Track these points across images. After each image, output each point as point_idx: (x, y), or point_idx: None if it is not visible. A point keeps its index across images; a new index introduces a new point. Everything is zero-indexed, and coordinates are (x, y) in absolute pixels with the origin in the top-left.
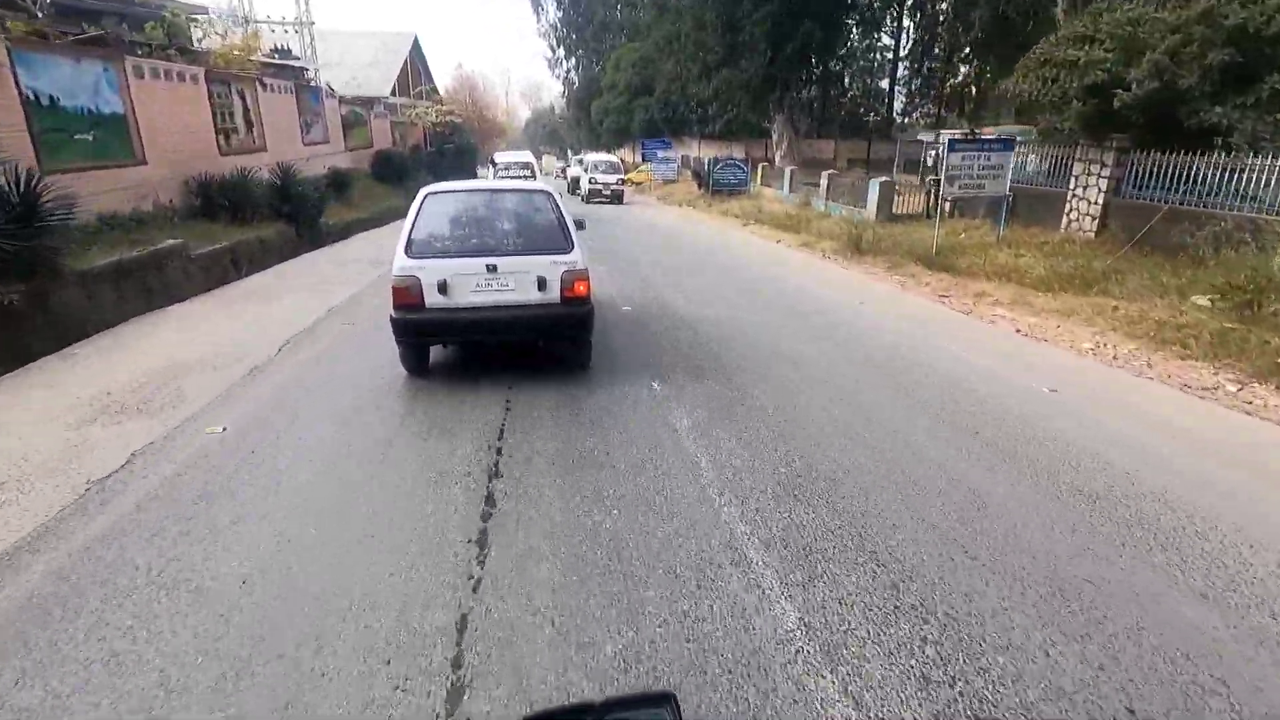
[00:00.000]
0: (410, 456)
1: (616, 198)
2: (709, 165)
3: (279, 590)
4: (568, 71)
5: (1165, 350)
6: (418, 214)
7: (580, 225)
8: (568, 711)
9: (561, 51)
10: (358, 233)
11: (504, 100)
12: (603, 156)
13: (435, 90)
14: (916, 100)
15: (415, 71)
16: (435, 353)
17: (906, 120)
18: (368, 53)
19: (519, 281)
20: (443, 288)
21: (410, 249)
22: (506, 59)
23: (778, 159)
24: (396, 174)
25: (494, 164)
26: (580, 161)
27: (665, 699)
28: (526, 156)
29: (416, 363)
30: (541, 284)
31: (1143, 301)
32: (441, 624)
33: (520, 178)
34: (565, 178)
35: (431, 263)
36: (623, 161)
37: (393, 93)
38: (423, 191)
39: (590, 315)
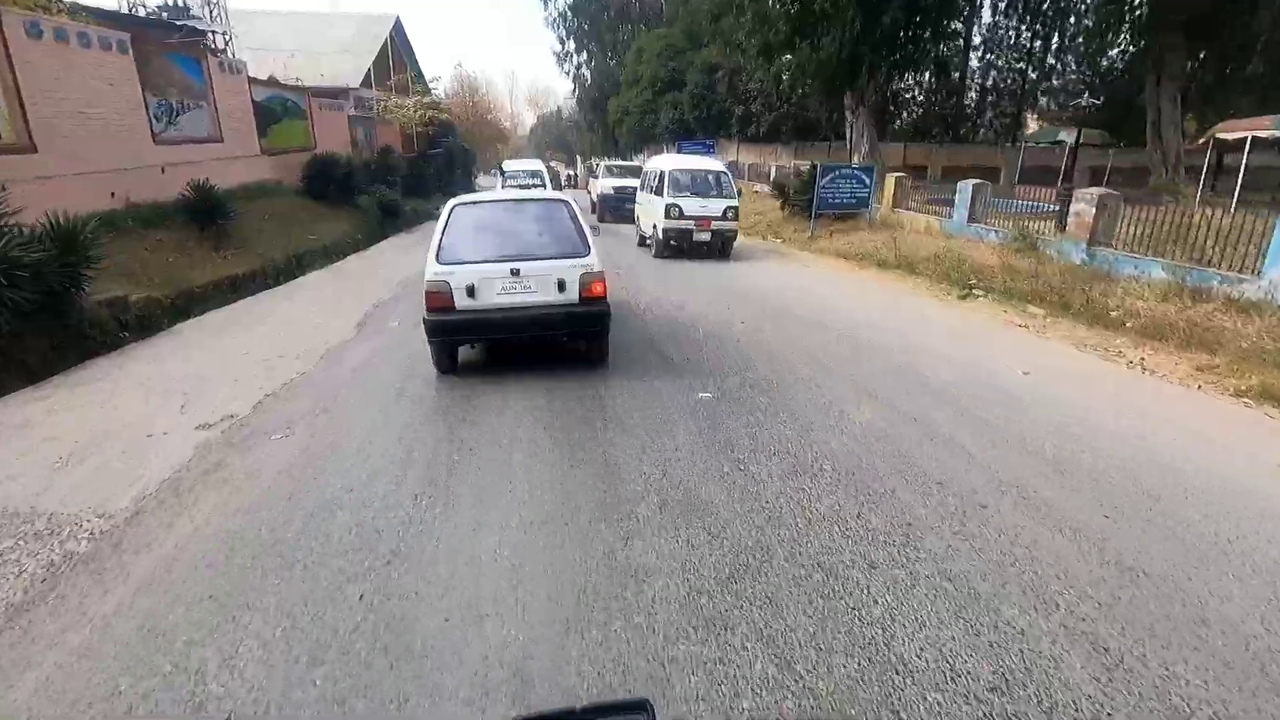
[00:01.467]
0: None
1: (723, 244)
2: (814, 174)
3: None
4: (578, 67)
5: None
6: (446, 224)
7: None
8: (548, 717)
9: (572, 44)
10: (211, 311)
11: (508, 105)
12: (692, 162)
13: (424, 82)
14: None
15: (398, 61)
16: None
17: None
18: (343, 38)
19: (540, 284)
20: (471, 291)
21: (440, 256)
22: (512, 61)
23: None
24: (342, 189)
25: (503, 172)
26: (621, 170)
27: (641, 706)
28: (536, 165)
29: (449, 362)
30: (561, 285)
31: None
32: None
33: (529, 186)
34: (590, 193)
35: (460, 268)
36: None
37: (366, 84)
38: (450, 204)
39: (606, 314)
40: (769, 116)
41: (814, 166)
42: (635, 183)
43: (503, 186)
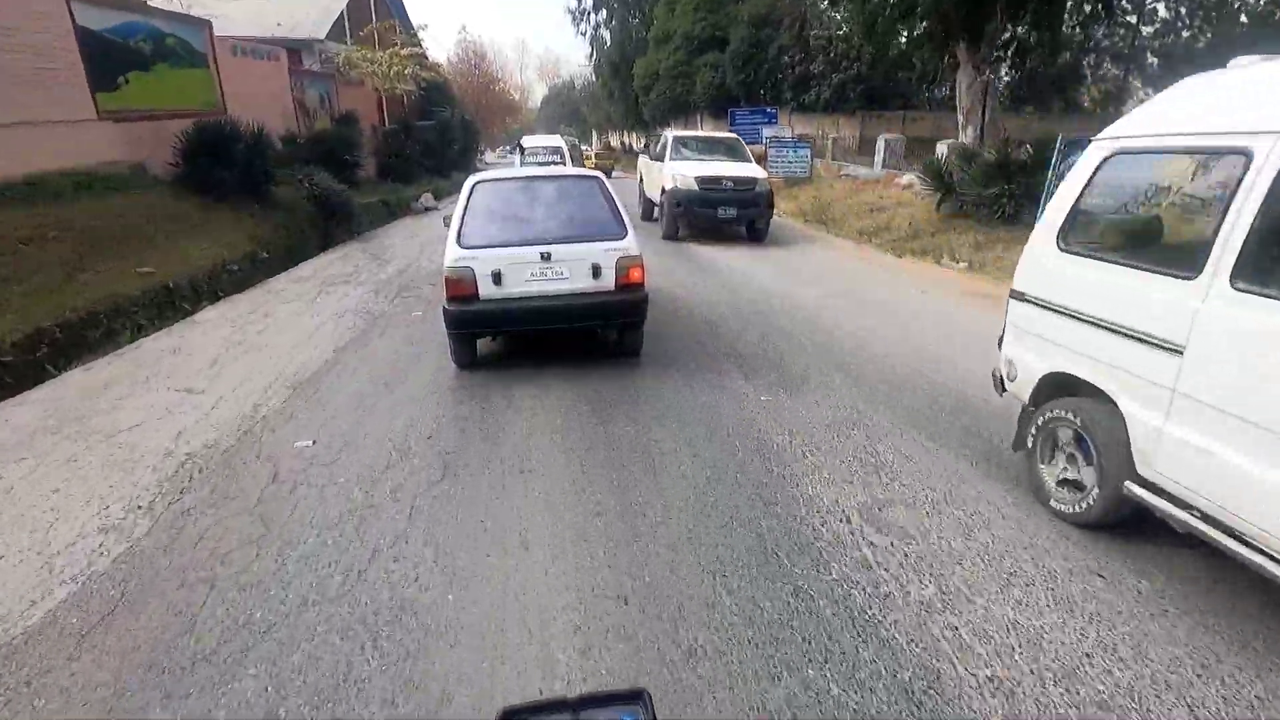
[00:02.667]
0: None
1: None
2: (1048, 153)
3: None
4: (596, 27)
5: None
6: (467, 204)
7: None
8: (544, 705)
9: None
10: None
11: (518, 76)
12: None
13: (415, 37)
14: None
15: (381, 9)
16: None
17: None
18: None
19: (573, 269)
20: (497, 278)
21: (462, 239)
22: (521, 30)
23: (966, 139)
24: (247, 176)
25: (521, 149)
26: (705, 144)
27: (638, 696)
28: (556, 140)
29: (468, 355)
30: (596, 271)
31: None
32: None
33: (549, 163)
34: (642, 184)
35: (485, 253)
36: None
37: (339, 36)
38: (470, 180)
39: (645, 302)
40: (833, 80)
41: (1059, 142)
42: (736, 170)
43: (521, 164)
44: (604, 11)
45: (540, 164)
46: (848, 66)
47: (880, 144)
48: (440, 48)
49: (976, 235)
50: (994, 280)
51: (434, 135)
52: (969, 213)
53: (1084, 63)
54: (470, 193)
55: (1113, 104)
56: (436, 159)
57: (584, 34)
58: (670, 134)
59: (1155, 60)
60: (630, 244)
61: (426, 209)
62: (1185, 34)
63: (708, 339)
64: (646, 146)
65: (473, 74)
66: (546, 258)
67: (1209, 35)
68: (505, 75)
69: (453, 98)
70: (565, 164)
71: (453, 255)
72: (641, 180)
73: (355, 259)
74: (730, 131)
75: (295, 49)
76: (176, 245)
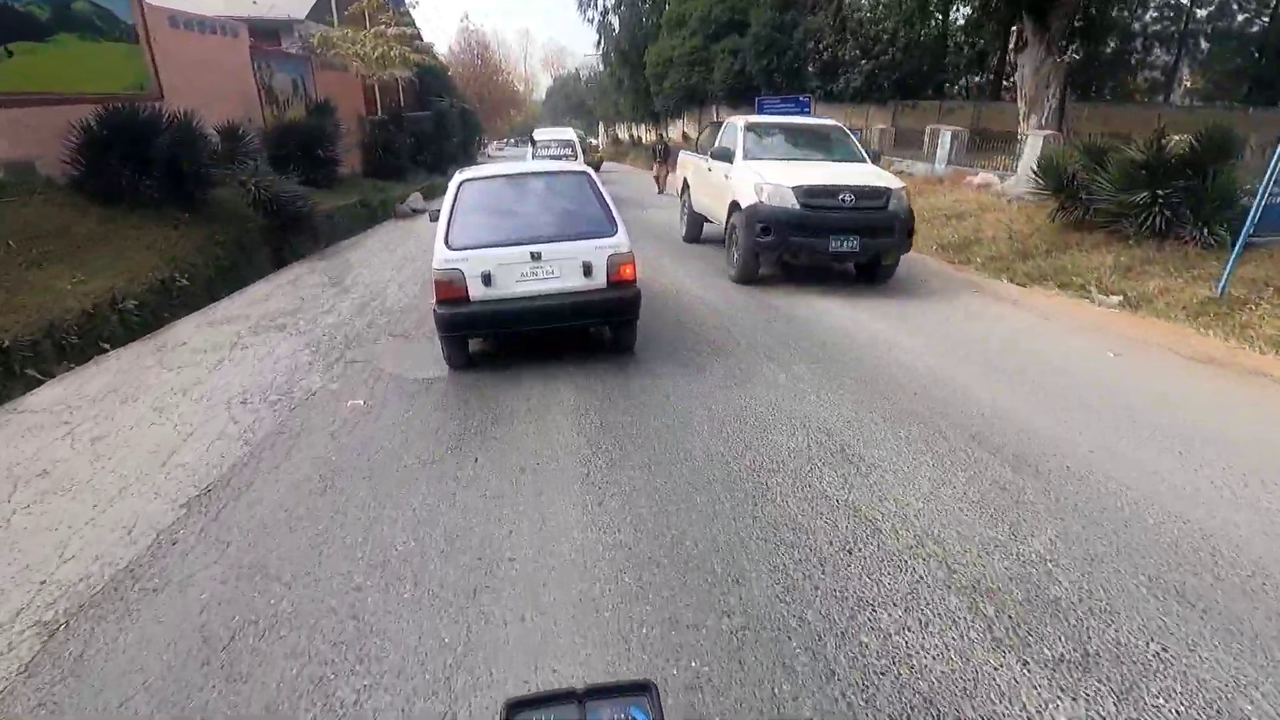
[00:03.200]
0: None
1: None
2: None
3: None
4: (604, 12)
5: None
6: (454, 203)
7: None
8: (550, 697)
9: None
10: None
11: (522, 67)
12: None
13: (407, 16)
14: None
15: None
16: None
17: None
18: None
19: (564, 268)
20: (487, 279)
21: (450, 240)
22: (525, 19)
23: (1031, 131)
24: (171, 177)
25: (533, 142)
26: (802, 137)
27: (645, 687)
28: (568, 134)
29: (461, 357)
30: (587, 269)
31: None
32: None
33: (561, 156)
34: (685, 192)
35: (474, 253)
36: (685, 139)
37: (320, 17)
38: (456, 178)
39: (637, 299)
40: (863, 66)
41: None
42: (855, 175)
43: (533, 158)
44: None
45: (552, 157)
46: (881, 52)
47: (945, 137)
48: (443, 37)
49: (1117, 255)
50: (1196, 328)
51: (430, 126)
52: (1095, 223)
53: (1131, 47)
54: (457, 192)
55: (1161, 91)
56: (432, 153)
57: (591, 20)
58: (739, 122)
59: (1208, 45)
60: (621, 240)
61: (414, 211)
62: (1240, 17)
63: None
64: (684, 140)
65: (475, 64)
66: (537, 257)
67: (1264, 19)
68: (509, 66)
69: (451, 86)
70: (576, 157)
71: (441, 257)
72: (687, 188)
73: (307, 285)
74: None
75: (273, 30)
76: (45, 276)
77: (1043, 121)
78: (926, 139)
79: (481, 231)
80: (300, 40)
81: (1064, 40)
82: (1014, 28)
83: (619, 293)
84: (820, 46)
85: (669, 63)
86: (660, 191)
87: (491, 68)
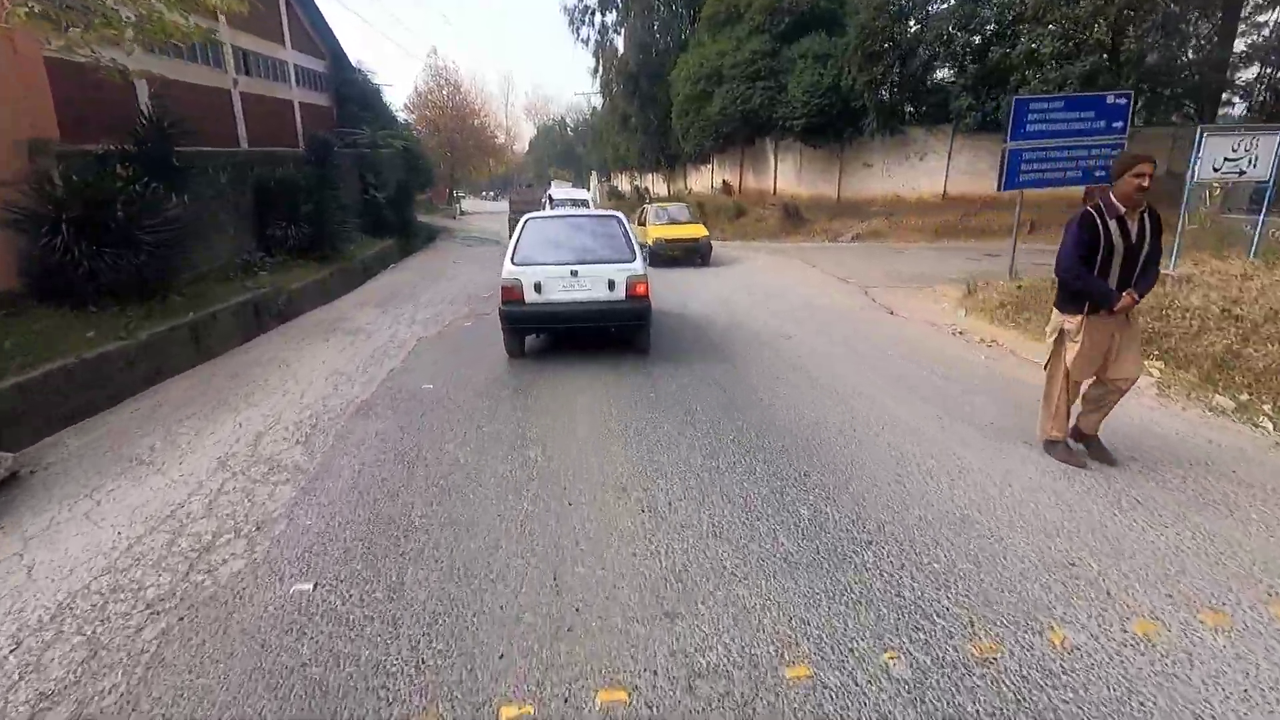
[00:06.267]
0: None
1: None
2: None
3: None
4: (603, 31)
5: None
6: (521, 233)
7: None
8: None
9: None
10: None
11: (503, 114)
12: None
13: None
14: None
15: None
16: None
17: None
18: None
19: (594, 283)
20: (538, 287)
21: (515, 258)
22: (508, 63)
23: None
24: None
25: (551, 200)
26: None
27: None
28: (583, 194)
29: (519, 348)
30: (611, 285)
31: None
32: None
33: None
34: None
35: (530, 269)
36: (729, 188)
37: None
38: (524, 217)
39: (648, 309)
40: (1056, 72)
41: None
42: None
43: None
44: (614, 10)
45: None
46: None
47: None
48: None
49: None
50: None
51: (310, 177)
52: None
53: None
54: (523, 226)
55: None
56: (310, 224)
57: (585, 41)
58: None
59: None
60: (637, 266)
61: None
62: None
63: None
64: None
65: (446, 104)
66: (575, 274)
67: None
68: (487, 110)
69: (382, 109)
70: None
71: (508, 270)
72: None
73: None
74: (1010, 142)
75: None
76: None
77: None
78: None
79: (537, 253)
80: None
81: None
82: None
83: (633, 304)
84: (966, 47)
85: (713, 78)
86: None
87: (466, 109)
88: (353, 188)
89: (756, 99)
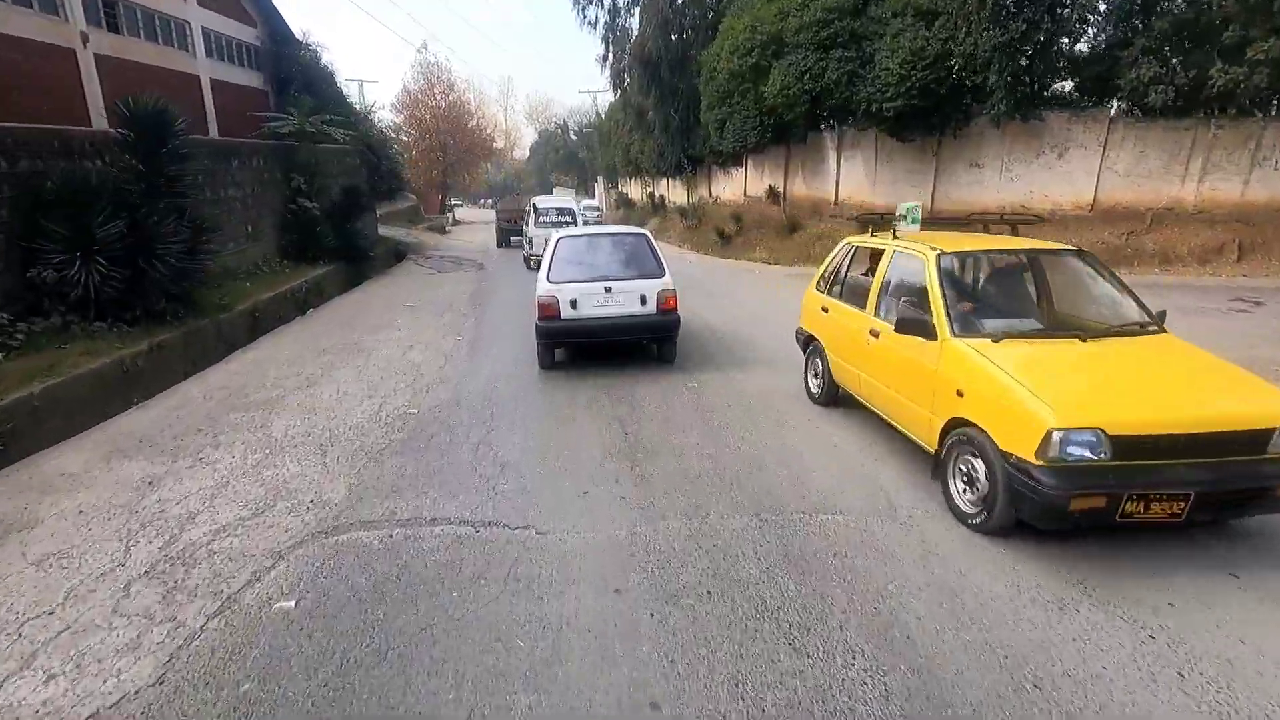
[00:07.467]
0: None
1: None
2: None
3: None
4: (614, 13)
5: None
6: (554, 252)
7: None
8: None
9: None
10: None
11: (502, 118)
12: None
13: None
14: None
15: None
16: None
17: None
18: None
19: (627, 298)
20: (574, 303)
21: (550, 276)
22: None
23: None
24: None
25: (535, 209)
26: None
27: None
28: (568, 202)
29: (549, 359)
30: (643, 300)
31: None
32: None
33: (561, 224)
34: None
35: (566, 286)
36: (775, 195)
37: None
38: (555, 235)
39: (677, 322)
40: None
41: None
42: None
43: (536, 225)
44: None
45: (553, 224)
46: None
47: None
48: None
49: None
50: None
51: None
52: None
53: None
54: (556, 243)
55: None
56: (137, 253)
57: (592, 24)
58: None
59: None
60: (667, 281)
61: None
62: None
63: None
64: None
65: (438, 104)
66: (609, 290)
67: None
68: (483, 111)
69: (333, 95)
70: (576, 224)
71: (543, 287)
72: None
73: None
74: None
75: None
76: None
77: None
78: None
79: (572, 270)
80: None
81: None
82: None
83: (664, 317)
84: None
85: (770, 47)
86: None
87: (460, 110)
88: (272, 195)
89: (832, 73)
